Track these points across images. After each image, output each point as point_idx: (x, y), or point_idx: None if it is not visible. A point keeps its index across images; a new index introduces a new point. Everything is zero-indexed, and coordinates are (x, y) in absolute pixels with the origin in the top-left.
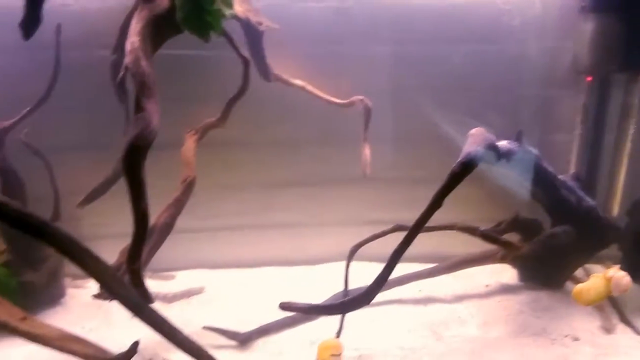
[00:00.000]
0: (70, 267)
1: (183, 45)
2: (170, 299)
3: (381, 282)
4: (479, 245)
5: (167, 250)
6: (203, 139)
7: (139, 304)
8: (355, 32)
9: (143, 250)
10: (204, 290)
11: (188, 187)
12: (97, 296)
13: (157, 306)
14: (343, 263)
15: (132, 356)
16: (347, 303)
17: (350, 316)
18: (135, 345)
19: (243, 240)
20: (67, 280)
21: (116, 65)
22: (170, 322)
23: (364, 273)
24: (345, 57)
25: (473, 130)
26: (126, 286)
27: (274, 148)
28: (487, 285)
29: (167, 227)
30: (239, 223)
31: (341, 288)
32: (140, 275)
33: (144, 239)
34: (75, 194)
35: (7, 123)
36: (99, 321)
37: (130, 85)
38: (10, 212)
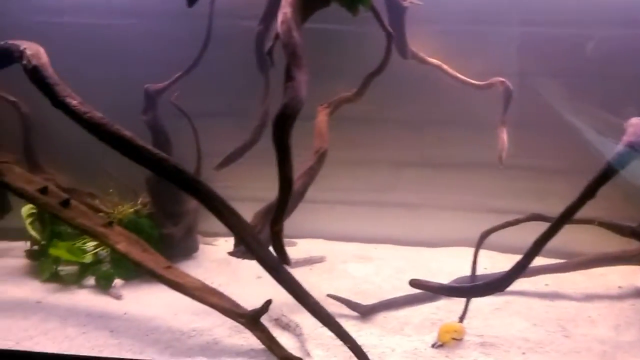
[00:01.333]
0: (202, 226)
1: (321, 19)
2: (292, 264)
3: (519, 271)
4: (607, 244)
5: (292, 218)
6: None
7: (276, 265)
8: (500, 12)
9: (285, 214)
10: (325, 260)
11: (320, 158)
12: (232, 253)
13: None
14: (460, 248)
15: (264, 313)
16: (480, 287)
17: (474, 303)
18: (268, 303)
19: (361, 215)
20: (199, 237)
21: (261, 35)
22: (302, 286)
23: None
24: (486, 37)
25: (633, 120)
26: (265, 247)
27: (400, 127)
28: (620, 287)
29: (299, 195)
30: (358, 198)
31: (457, 273)
32: (281, 237)
33: (287, 203)
34: (212, 156)
35: (160, 86)
36: (227, 277)
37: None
38: (169, 168)
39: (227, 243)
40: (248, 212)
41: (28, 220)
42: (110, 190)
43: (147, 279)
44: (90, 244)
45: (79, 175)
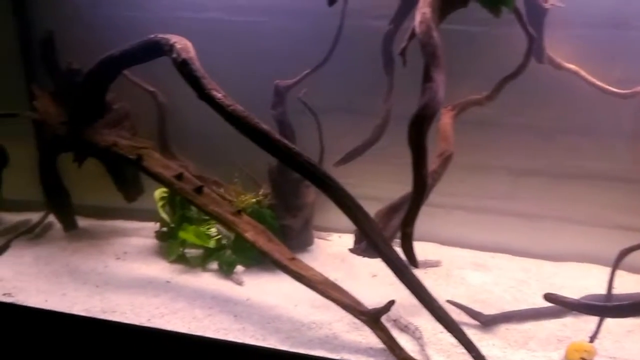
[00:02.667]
0: (317, 220)
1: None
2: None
3: None
4: None
5: None
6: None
7: (402, 265)
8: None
9: (417, 215)
10: (441, 264)
11: (445, 162)
12: (353, 250)
13: None
14: (583, 264)
15: (385, 313)
16: (626, 307)
17: (606, 323)
18: (390, 303)
19: (478, 222)
20: (314, 232)
21: (389, 35)
22: (427, 289)
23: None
24: (630, 42)
25: None
26: (391, 246)
27: (526, 133)
28: None
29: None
30: (476, 205)
31: (582, 290)
32: (411, 238)
33: (421, 204)
34: (331, 153)
35: (289, 82)
36: (343, 273)
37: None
38: (302, 162)
39: (341, 239)
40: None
41: (160, 203)
42: (235, 180)
43: (265, 268)
44: (214, 230)
45: (205, 163)
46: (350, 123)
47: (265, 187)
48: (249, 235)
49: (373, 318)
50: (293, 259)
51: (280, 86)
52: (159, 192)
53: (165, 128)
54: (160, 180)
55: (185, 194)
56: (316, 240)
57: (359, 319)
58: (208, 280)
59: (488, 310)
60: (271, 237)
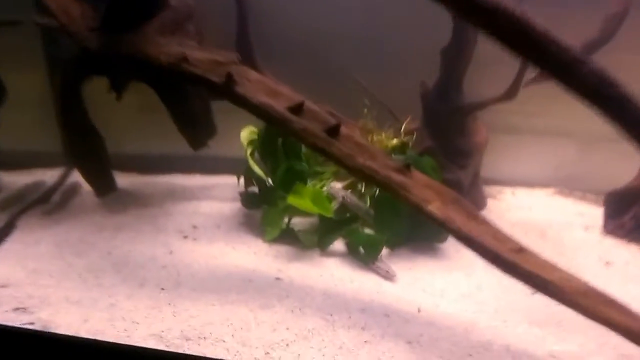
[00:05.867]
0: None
1: None
2: None
3: None
4: None
5: None
6: None
7: None
8: None
9: None
10: None
11: None
12: (612, 230)
13: None
14: None
15: None
16: None
17: None
18: None
19: None
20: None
21: None
22: None
23: None
24: None
25: None
26: None
27: None
28: None
29: None
30: None
31: None
32: None
33: None
34: None
35: None
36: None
37: None
38: None
39: (516, 197)
40: None
41: (249, 149)
42: (365, 111)
43: (417, 247)
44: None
45: (308, 84)
46: None
47: (411, 121)
48: (436, 208)
49: None
50: (520, 250)
51: None
52: (247, 132)
53: (249, 31)
54: (268, 116)
55: (311, 139)
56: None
57: None
58: (337, 273)
59: None
60: (471, 211)
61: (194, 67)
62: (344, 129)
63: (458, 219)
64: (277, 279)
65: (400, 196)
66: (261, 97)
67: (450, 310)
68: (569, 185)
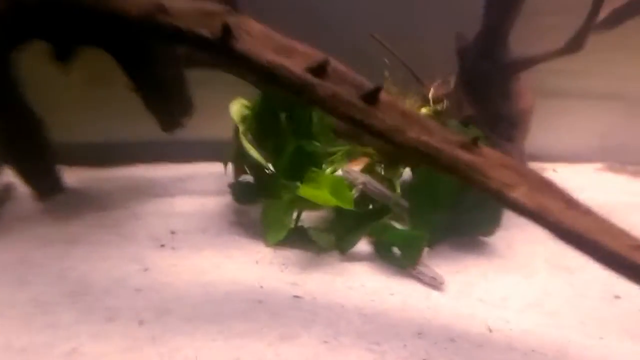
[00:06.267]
0: None
1: None
2: None
3: None
4: None
5: None
6: None
7: None
8: None
9: None
10: None
11: None
12: None
13: None
14: None
15: None
16: None
17: None
18: None
19: None
20: None
21: None
22: None
23: None
24: None
25: None
26: None
27: None
28: None
29: None
30: None
31: None
32: None
33: None
34: None
35: None
36: None
37: None
38: None
39: (559, 175)
40: None
41: (241, 127)
42: (385, 75)
43: (458, 243)
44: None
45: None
46: None
47: (440, 85)
48: (523, 195)
49: None
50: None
51: None
52: (238, 106)
53: None
54: (281, 80)
55: (344, 107)
56: None
57: None
58: (370, 283)
59: None
60: (568, 197)
61: (174, 18)
62: (384, 95)
63: (555, 208)
64: (295, 297)
65: (473, 181)
66: (269, 55)
67: (525, 326)
68: (618, 158)
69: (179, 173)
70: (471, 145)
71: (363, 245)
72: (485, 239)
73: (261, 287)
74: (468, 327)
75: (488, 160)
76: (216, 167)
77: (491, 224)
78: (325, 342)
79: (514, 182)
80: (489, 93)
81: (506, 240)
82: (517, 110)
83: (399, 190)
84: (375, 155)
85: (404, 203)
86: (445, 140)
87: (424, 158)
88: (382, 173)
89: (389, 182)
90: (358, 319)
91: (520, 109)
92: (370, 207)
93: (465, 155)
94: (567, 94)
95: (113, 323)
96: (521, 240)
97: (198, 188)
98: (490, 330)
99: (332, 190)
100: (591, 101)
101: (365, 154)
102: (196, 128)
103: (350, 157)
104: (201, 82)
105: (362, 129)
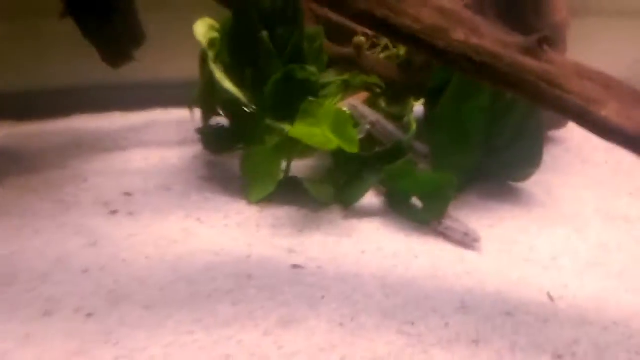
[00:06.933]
0: None
1: None
2: None
3: None
4: None
5: None
6: None
7: None
8: None
9: None
10: None
11: None
12: None
13: None
14: None
15: None
16: None
17: None
18: None
19: None
20: None
21: None
22: None
23: None
24: None
25: None
26: None
27: None
28: None
29: None
30: None
31: None
32: None
33: None
34: None
35: None
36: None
37: None
38: None
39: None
40: None
41: (210, 53)
42: None
43: (487, 189)
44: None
45: None
46: None
47: None
48: (616, 114)
49: None
50: None
51: None
52: (205, 26)
53: None
54: None
55: (364, 3)
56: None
57: None
58: (388, 245)
59: None
60: None
61: None
62: None
63: None
64: (295, 266)
65: (546, 98)
66: None
67: (590, 291)
68: None
69: (131, 122)
70: (537, 49)
71: (370, 198)
72: (518, 184)
73: (248, 257)
74: (523, 296)
75: (562, 68)
76: (178, 114)
77: (529, 165)
78: (341, 324)
79: (601, 96)
80: (516, 3)
81: (544, 186)
82: (552, 23)
83: (414, 128)
84: (378, 87)
85: (421, 147)
86: (502, 43)
87: (476, 70)
88: (387, 109)
89: (399, 121)
90: (379, 291)
91: (554, 24)
92: (377, 149)
93: (532, 63)
94: (591, 11)
95: (51, 318)
96: (561, 185)
97: (157, 138)
98: (552, 299)
99: (334, 128)
100: (625, 21)
101: (365, 86)
102: (149, 65)
103: (348, 89)
104: (153, 4)
105: (386, 33)
